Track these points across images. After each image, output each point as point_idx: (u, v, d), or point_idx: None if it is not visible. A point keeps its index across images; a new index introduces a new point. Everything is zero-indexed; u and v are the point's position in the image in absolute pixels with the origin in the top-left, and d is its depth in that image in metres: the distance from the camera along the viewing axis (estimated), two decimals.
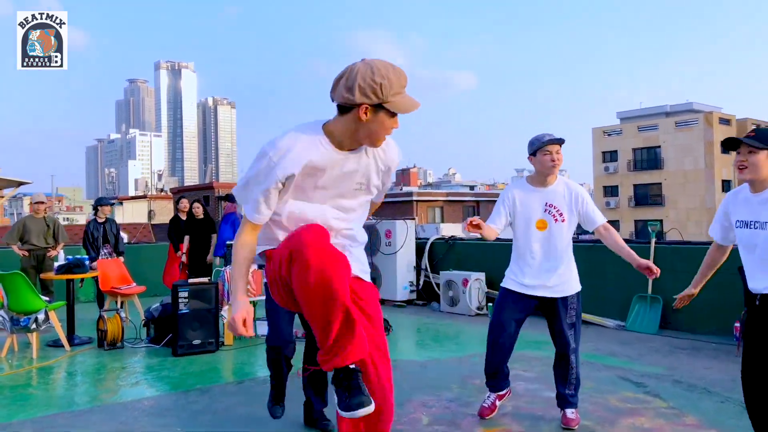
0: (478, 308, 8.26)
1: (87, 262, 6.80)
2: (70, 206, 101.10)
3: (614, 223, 46.58)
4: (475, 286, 8.30)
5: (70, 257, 6.92)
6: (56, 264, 6.84)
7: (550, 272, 3.65)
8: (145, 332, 6.65)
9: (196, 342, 5.98)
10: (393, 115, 2.08)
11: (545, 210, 3.65)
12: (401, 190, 71.21)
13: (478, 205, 46.85)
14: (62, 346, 6.26)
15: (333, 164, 2.14)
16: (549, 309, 3.72)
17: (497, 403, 3.96)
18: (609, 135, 47.14)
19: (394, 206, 44.18)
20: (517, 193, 3.74)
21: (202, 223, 8.63)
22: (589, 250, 7.58)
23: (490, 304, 8.31)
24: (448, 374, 5.16)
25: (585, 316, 7.43)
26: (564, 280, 3.67)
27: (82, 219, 63.14)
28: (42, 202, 7.81)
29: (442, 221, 43.70)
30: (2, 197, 24.51)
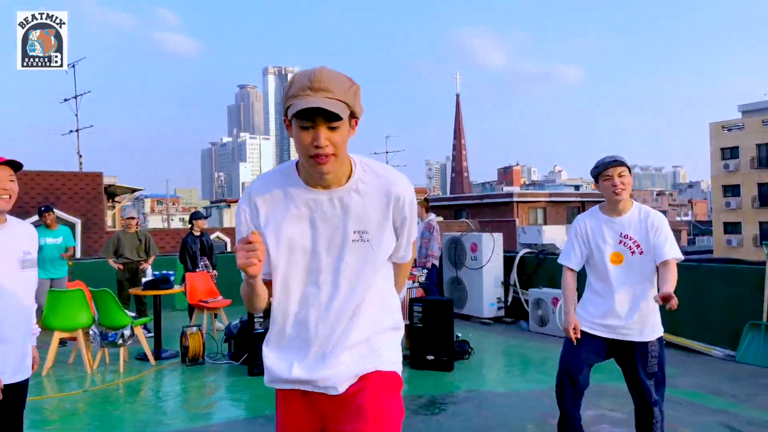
0: None
1: (172, 278, 6.98)
2: (185, 207, 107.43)
3: (736, 226, 43.26)
4: None
5: (156, 273, 7.13)
6: (144, 280, 7.07)
7: (626, 312, 3.23)
8: (227, 347, 6.74)
9: None
10: (304, 124, 1.63)
11: (620, 242, 3.24)
12: (502, 190, 69.75)
13: (583, 206, 44.94)
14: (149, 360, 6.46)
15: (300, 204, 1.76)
16: (624, 355, 3.30)
17: None
18: (729, 130, 43.68)
19: (493, 208, 43.32)
20: (588, 223, 3.36)
21: None
22: (693, 271, 6.88)
23: None
24: (527, 409, 4.80)
25: (688, 343, 6.76)
26: (643, 323, 3.23)
27: None
28: (133, 218, 8.15)
29: (545, 223, 42.32)
30: (119, 203, 26.23)
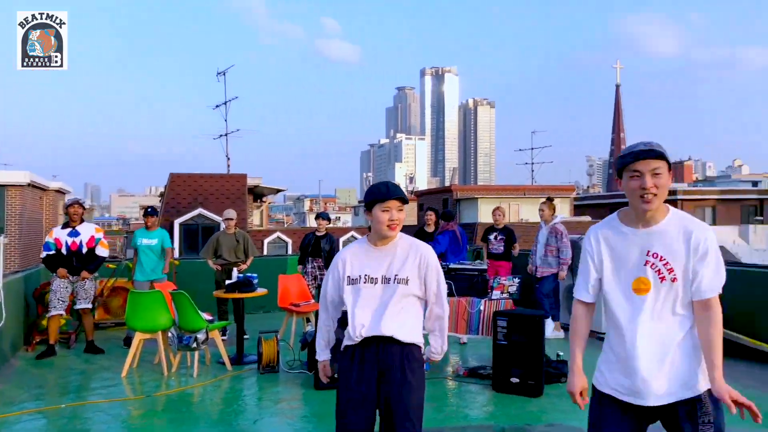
0: None
1: (255, 282, 6.84)
2: (342, 206, 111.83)
3: None
4: None
5: (240, 275, 7.03)
6: (227, 282, 6.99)
7: (656, 365, 2.25)
8: (306, 354, 6.45)
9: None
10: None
11: (645, 262, 2.27)
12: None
13: (762, 205, 39.84)
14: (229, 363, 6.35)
15: None
16: (669, 421, 2.30)
17: None
18: None
19: None
20: (603, 236, 2.39)
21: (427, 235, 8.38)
22: None
23: None
24: None
25: None
26: (681, 376, 2.25)
27: (349, 219, 68.99)
28: (231, 219, 8.15)
29: (714, 223, 38.12)
30: (268, 202, 27.60)
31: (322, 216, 8.81)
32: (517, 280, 6.07)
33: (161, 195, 22.20)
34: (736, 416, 2.15)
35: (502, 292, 5.90)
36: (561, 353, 6.09)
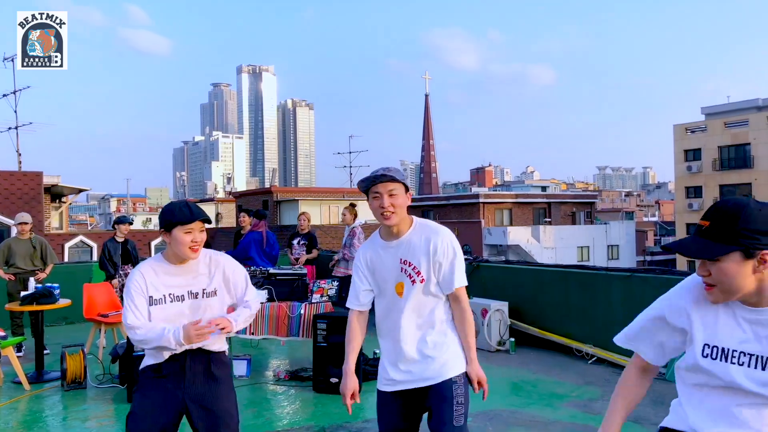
0: (499, 343, 7.24)
1: (57, 292, 6.31)
2: (153, 207, 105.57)
3: None
4: (495, 317, 7.29)
5: (39, 286, 6.45)
6: (22, 294, 6.37)
7: (417, 353, 2.63)
8: (118, 368, 6.09)
9: None
10: None
11: (401, 269, 2.63)
12: (471, 191, 69.77)
13: (549, 207, 44.85)
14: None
15: None
16: (428, 403, 2.66)
17: None
18: (692, 132, 43.90)
19: (459, 208, 42.99)
20: (368, 253, 2.73)
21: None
22: (626, 281, 6.43)
23: (512, 339, 7.28)
24: None
25: (617, 358, 6.30)
26: (439, 361, 2.63)
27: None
28: (26, 223, 7.41)
29: (511, 224, 42.13)
30: (68, 203, 25.25)
31: (122, 221, 8.24)
32: (336, 283, 6.28)
33: None
34: None
35: (321, 296, 6.06)
36: (377, 351, 6.42)
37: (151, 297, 2.70)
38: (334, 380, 5.57)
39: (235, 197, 39.23)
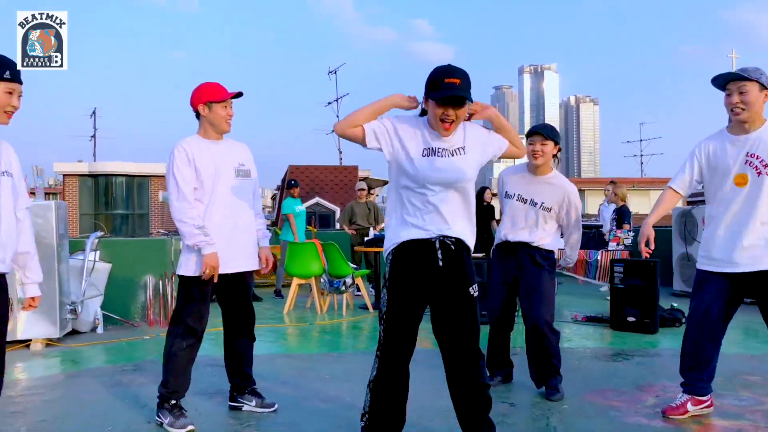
0: None
1: None
2: None
3: None
4: None
5: (377, 233, 7.99)
6: (366, 239, 7.98)
7: (741, 241, 2.91)
8: None
9: None
10: None
11: (745, 161, 2.88)
12: None
13: None
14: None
15: None
16: (758, 288, 2.95)
17: (689, 408, 3.21)
18: None
19: None
20: (711, 144, 3.03)
21: None
22: None
23: None
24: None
25: None
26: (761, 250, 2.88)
27: None
28: (363, 189, 9.16)
29: None
30: (374, 194, 28.83)
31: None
32: (632, 233, 6.62)
33: (280, 184, 23.86)
34: None
35: (618, 244, 6.48)
36: (675, 304, 6.58)
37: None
38: (631, 319, 5.95)
39: None
